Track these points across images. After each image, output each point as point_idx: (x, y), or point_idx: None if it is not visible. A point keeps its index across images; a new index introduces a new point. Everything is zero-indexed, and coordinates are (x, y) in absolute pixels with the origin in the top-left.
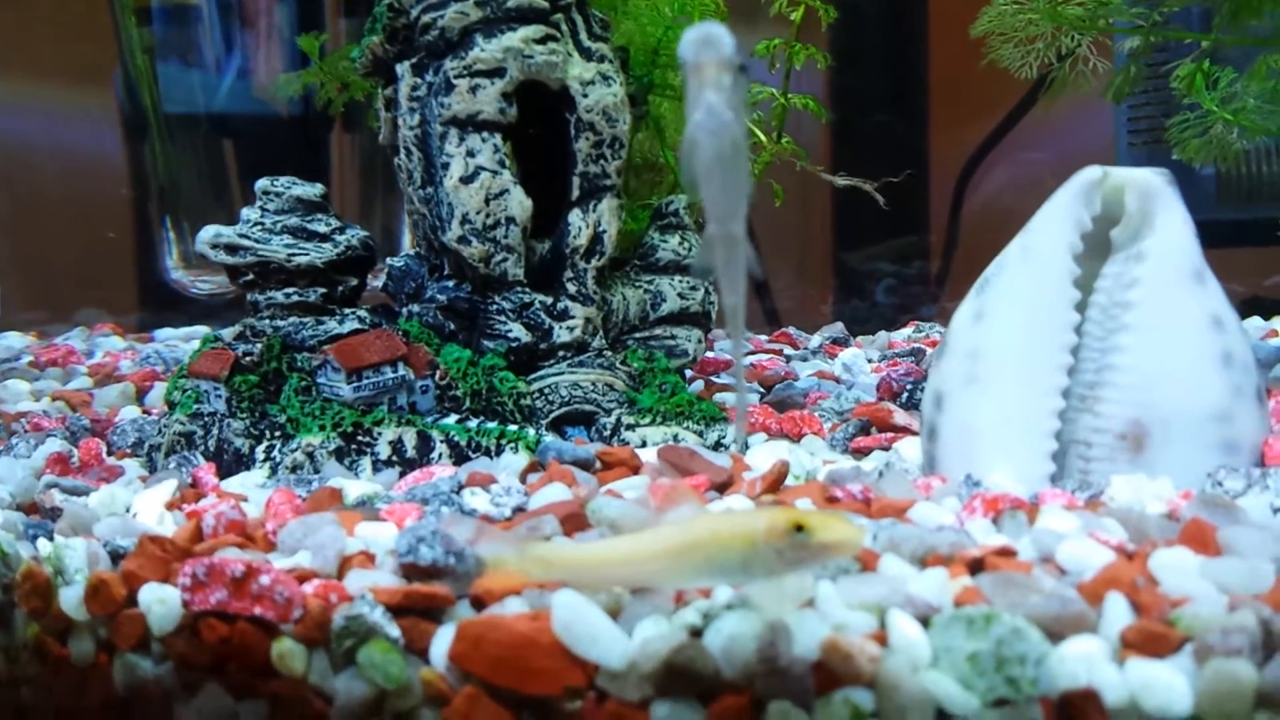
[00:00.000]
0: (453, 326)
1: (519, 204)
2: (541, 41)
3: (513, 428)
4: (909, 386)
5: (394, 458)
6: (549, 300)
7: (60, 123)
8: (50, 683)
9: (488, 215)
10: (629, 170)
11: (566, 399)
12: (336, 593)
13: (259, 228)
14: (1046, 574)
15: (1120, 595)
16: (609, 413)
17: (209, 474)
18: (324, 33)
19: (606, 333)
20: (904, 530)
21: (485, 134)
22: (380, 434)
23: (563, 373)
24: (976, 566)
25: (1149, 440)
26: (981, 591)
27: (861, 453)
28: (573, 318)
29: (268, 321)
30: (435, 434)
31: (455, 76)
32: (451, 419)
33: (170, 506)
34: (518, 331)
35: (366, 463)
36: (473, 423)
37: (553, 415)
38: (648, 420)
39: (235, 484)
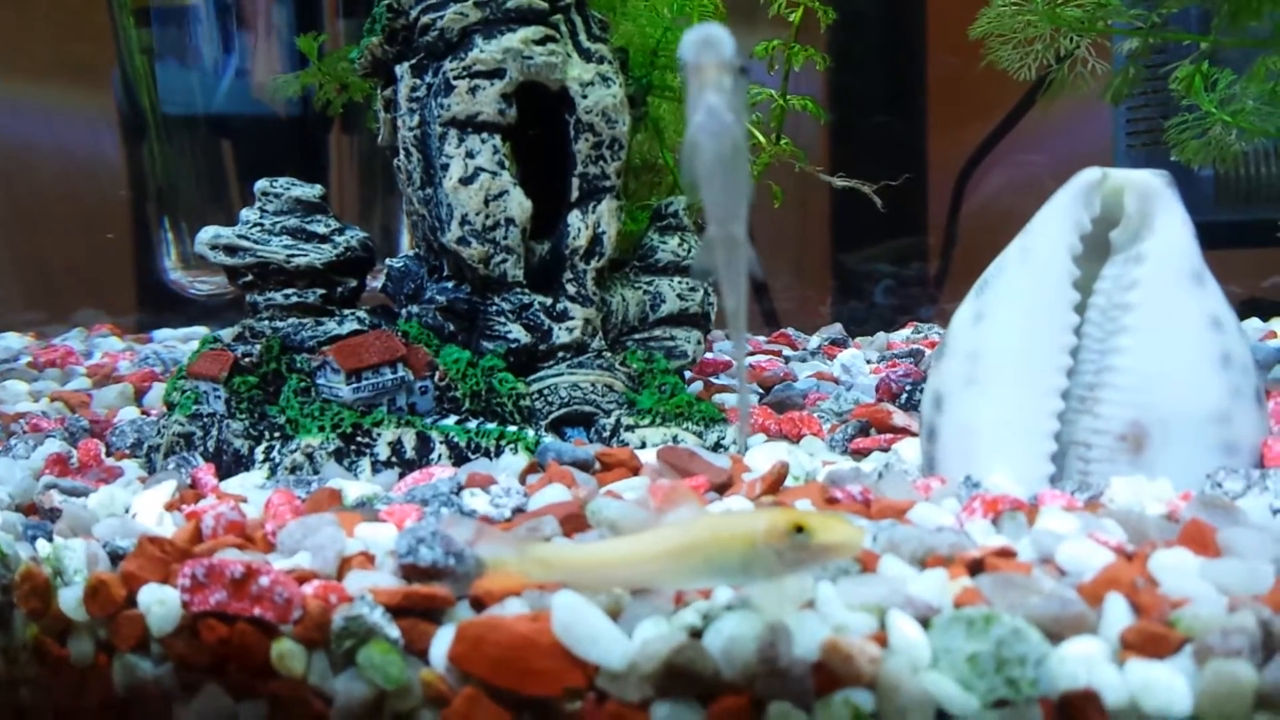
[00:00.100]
0: (452, 327)
1: (518, 205)
2: (541, 42)
3: (512, 429)
4: (908, 387)
5: (393, 459)
6: (548, 301)
7: (59, 123)
8: (50, 683)
9: (487, 216)
10: (628, 171)
11: (566, 400)
12: (336, 593)
13: (258, 229)
14: (1046, 575)
15: (1120, 596)
16: (608, 414)
17: (208, 475)
18: (323, 33)
19: (606, 334)
20: (904, 531)
21: (485, 135)
22: (379, 435)
23: (562, 374)
24: (976, 567)
25: (1148, 441)
26: (981, 592)
27: (861, 454)
28: (572, 319)
29: (267, 322)
30: (434, 435)
31: (455, 77)
32: (451, 420)
33: (169, 507)
34: (517, 332)
35: (366, 464)
36: (472, 424)
37: (552, 416)
38: (647, 421)
39: (234, 485)
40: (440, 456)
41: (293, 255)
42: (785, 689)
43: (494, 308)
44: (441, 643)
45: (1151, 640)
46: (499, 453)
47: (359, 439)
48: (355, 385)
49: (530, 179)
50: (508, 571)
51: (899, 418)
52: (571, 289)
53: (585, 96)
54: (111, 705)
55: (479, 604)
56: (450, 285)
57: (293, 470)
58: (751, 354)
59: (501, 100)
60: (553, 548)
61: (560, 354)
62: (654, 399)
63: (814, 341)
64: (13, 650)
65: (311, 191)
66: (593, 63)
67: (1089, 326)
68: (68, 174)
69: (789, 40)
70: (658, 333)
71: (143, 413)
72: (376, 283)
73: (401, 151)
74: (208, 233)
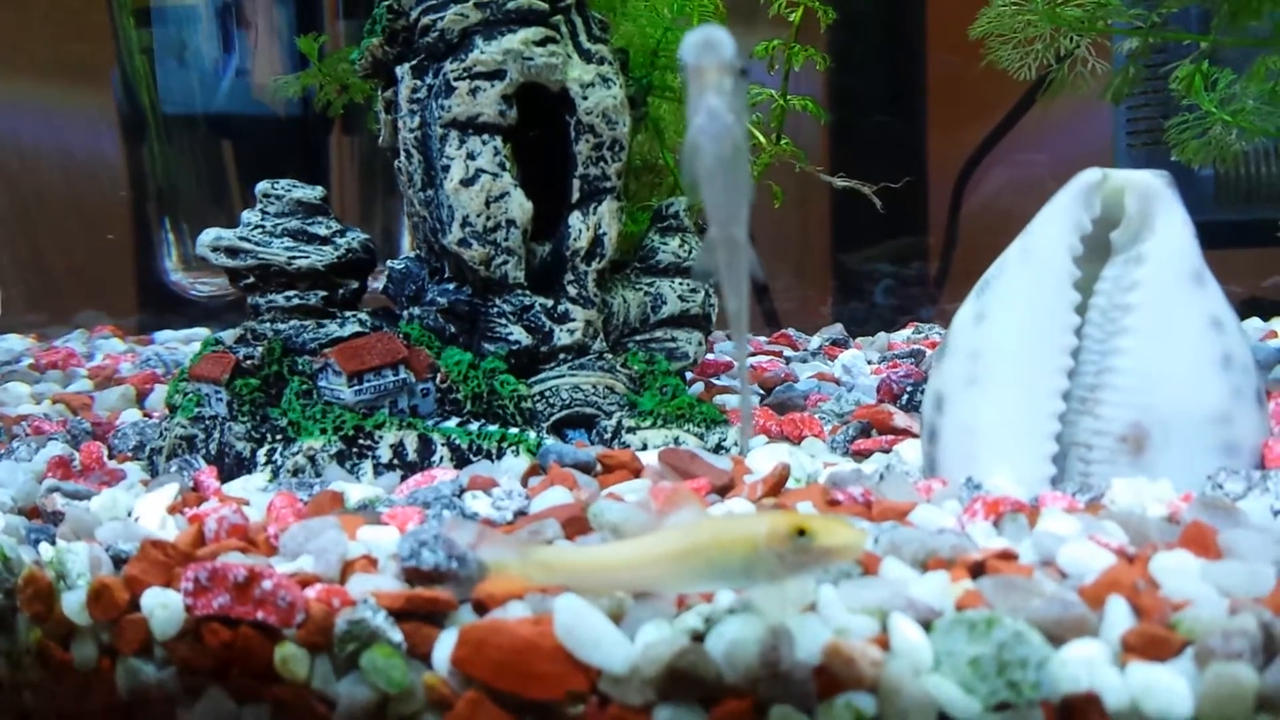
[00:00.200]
0: (453, 329)
1: (519, 206)
2: (541, 44)
3: (514, 431)
4: (909, 388)
5: (395, 461)
6: (549, 303)
7: (59, 124)
8: (53, 687)
9: (488, 218)
10: (629, 172)
11: (567, 401)
12: (339, 597)
13: (259, 231)
14: (1047, 577)
15: (1121, 599)
16: (610, 415)
17: (210, 478)
18: (323, 34)
19: (607, 335)
20: (905, 533)
21: (485, 136)
22: (381, 437)
23: (563, 375)
24: (978, 570)
25: (1149, 443)
26: (983, 595)
27: (862, 455)
28: (573, 320)
29: (268, 325)
30: (436, 437)
31: (455, 79)
32: (452, 422)
33: (172, 510)
34: (518, 334)
35: (368, 466)
36: (474, 426)
37: (553, 418)
38: (648, 423)
39: (237, 487)
40: (442, 459)
41: (294, 257)
42: (787, 692)
43: (495, 309)
44: (444, 646)
45: (1153, 643)
46: (500, 455)
47: (361, 441)
48: (357, 387)
49: (531, 180)
50: (510, 575)
51: (900, 419)
52: (573, 290)
53: (586, 98)
54: (115, 709)
55: (481, 607)
56: (451, 287)
57: (295, 473)
58: (752, 354)
59: (502, 101)
60: (555, 551)
61: (561, 356)
62: (655, 401)
63: (815, 342)
64: (16, 654)
65: (313, 193)
66: (593, 64)
67: (1089, 327)
68: (68, 175)
69: (789, 40)
70: (659, 334)
71: (145, 415)
72: (378, 284)
73: (402, 153)
74: (209, 235)
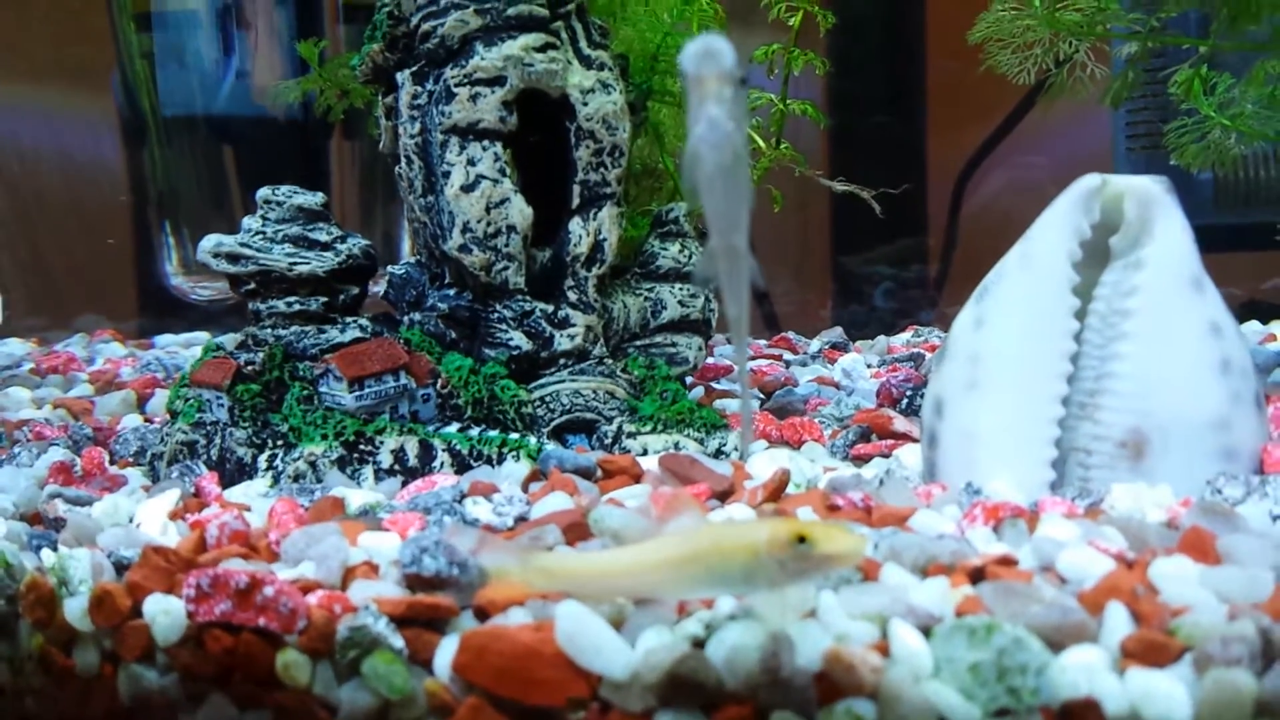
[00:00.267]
0: (454, 335)
1: (520, 212)
2: (541, 50)
3: (514, 436)
4: (908, 393)
5: (396, 466)
6: (550, 308)
7: (59, 127)
8: (55, 694)
9: (488, 223)
10: (629, 177)
11: (568, 407)
12: (340, 603)
13: (260, 236)
14: (1047, 583)
15: (1120, 604)
16: (610, 421)
17: (212, 483)
18: (323, 39)
19: (607, 340)
20: (905, 539)
21: (486, 142)
22: (382, 443)
23: (564, 381)
24: (977, 575)
25: (1148, 448)
26: (983, 601)
27: (862, 460)
28: (574, 326)
29: (269, 330)
30: (437, 443)
31: (456, 85)
32: (453, 427)
33: (173, 516)
34: (519, 340)
35: (369, 472)
36: (474, 431)
37: (554, 423)
38: (649, 428)
39: (238, 493)
40: (443, 464)
41: (295, 263)
42: (788, 699)
43: (495, 315)
44: (445, 652)
45: (1152, 649)
46: (501, 460)
47: (362, 447)
48: (358, 393)
49: (531, 186)
50: (511, 581)
51: (900, 423)
52: (573, 296)
53: (586, 104)
54: (117, 715)
55: (482, 614)
56: (452, 292)
57: (296, 478)
58: (752, 358)
59: (502, 107)
60: (556, 557)
61: (562, 361)
62: (655, 406)
63: (814, 345)
64: (18, 660)
65: (313, 199)
66: (593, 69)
67: (1089, 333)
68: (68, 178)
69: (788, 44)
70: (659, 339)
71: (145, 420)
72: (378, 290)
73: (403, 159)
74: (210, 241)
